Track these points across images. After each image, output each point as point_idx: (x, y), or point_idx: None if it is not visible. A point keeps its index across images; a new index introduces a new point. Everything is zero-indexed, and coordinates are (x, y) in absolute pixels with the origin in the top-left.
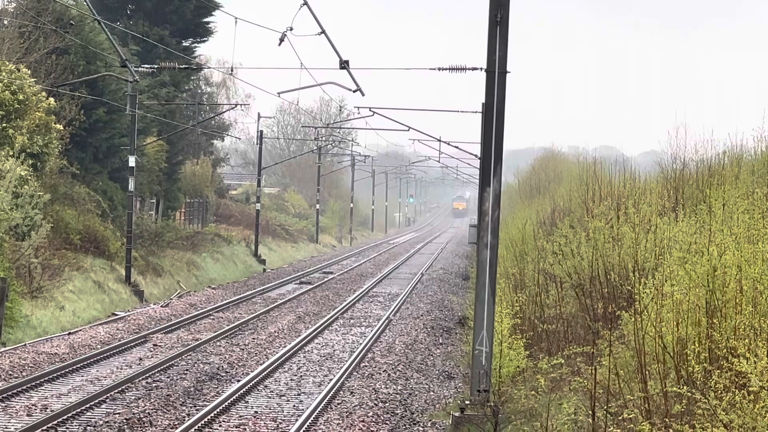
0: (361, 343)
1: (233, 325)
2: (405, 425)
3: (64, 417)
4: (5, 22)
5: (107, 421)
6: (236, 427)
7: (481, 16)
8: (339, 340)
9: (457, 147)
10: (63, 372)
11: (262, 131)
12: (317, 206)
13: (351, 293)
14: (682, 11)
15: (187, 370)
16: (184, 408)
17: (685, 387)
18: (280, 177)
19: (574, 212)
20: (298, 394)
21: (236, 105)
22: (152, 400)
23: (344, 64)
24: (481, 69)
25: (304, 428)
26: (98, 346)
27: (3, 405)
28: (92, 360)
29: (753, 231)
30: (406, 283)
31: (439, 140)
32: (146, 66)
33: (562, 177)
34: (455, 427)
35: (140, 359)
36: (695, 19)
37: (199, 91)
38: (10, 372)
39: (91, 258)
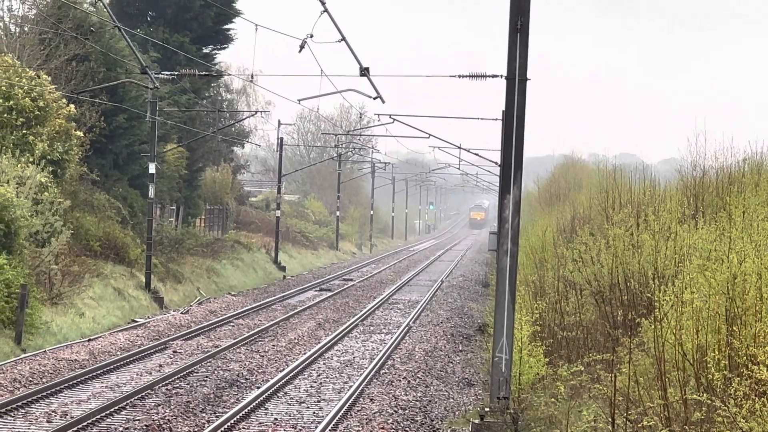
0: (380, 350)
1: (253, 331)
2: None
3: (84, 423)
4: (26, 28)
5: (127, 428)
6: None
7: (501, 23)
8: (359, 347)
9: (477, 154)
10: (83, 378)
11: (282, 138)
12: (337, 213)
13: (371, 300)
14: (705, 17)
15: (206, 376)
16: (204, 415)
17: (705, 394)
18: (300, 184)
19: (593, 219)
20: (318, 401)
21: (256, 112)
22: (172, 407)
23: (364, 72)
24: (501, 76)
25: None
26: (118, 353)
27: (23, 411)
28: (112, 366)
29: None
30: (426, 290)
31: (459, 147)
32: (166, 73)
33: (581, 184)
34: None
35: (160, 366)
36: (717, 26)
37: (220, 98)
38: (30, 378)
39: (111, 265)
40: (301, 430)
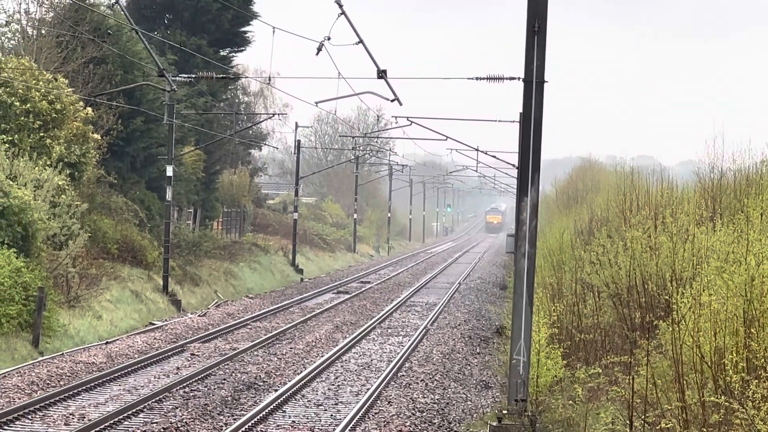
0: (398, 353)
1: (271, 334)
2: None
3: (102, 426)
4: (43, 31)
5: (145, 431)
6: None
7: (519, 25)
8: (376, 350)
9: (494, 156)
10: (100, 381)
11: (299, 141)
12: (355, 216)
13: (388, 303)
14: (720, 19)
15: (224, 379)
16: (221, 417)
17: (722, 397)
18: (317, 186)
19: (611, 222)
20: (336, 404)
21: (274, 114)
22: (190, 410)
23: (382, 74)
24: (519, 78)
25: None
26: (136, 356)
27: (41, 414)
28: (130, 369)
29: None
30: (444, 293)
31: (477, 150)
32: (184, 75)
33: (599, 186)
34: None
35: (178, 368)
36: (734, 26)
37: (237, 100)
38: (48, 381)
39: (128, 267)
40: None
